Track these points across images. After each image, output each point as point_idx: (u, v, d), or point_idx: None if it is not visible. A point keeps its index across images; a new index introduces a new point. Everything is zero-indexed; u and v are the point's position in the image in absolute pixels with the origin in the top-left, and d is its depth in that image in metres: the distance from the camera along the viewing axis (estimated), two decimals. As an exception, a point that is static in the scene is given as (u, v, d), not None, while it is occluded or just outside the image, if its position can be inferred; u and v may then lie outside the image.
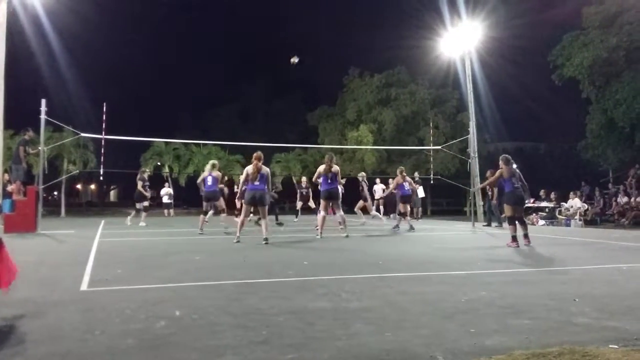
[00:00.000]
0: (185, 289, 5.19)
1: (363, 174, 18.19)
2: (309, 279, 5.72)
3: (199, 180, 12.97)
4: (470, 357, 3.00)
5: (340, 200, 11.68)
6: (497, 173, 9.88)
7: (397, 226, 13.82)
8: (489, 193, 17.41)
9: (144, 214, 16.62)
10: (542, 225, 18.14)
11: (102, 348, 3.18)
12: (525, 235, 9.63)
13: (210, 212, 13.02)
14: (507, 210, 9.89)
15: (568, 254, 8.60)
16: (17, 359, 3.00)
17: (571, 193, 19.22)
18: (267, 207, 10.05)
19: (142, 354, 3.07)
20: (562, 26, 24.33)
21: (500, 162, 9.87)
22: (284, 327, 3.68)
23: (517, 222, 9.77)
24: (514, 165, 10.08)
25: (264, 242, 9.46)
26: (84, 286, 5.24)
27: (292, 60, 17.86)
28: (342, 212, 11.59)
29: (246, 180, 9.94)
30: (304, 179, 20.72)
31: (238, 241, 9.74)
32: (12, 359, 3.00)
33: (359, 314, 4.08)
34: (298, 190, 20.02)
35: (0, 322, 3.78)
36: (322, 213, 11.29)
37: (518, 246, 9.23)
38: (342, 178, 11.77)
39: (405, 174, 14.14)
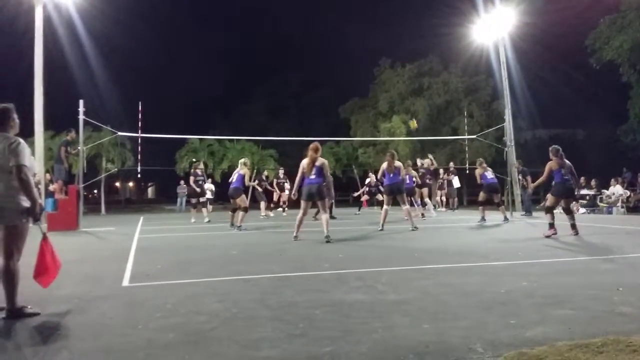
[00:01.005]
0: (224, 283, 5.25)
1: (428, 160, 18.26)
2: (344, 272, 5.72)
3: (231, 179, 13.09)
4: (510, 348, 2.96)
5: (405, 194, 11.62)
6: (547, 166, 9.58)
7: (483, 219, 13.14)
8: (524, 182, 17.15)
9: (192, 210, 16.45)
10: (582, 213, 17.70)
11: (144, 342, 3.24)
12: (573, 226, 9.36)
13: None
14: (551, 201, 9.64)
15: (610, 243, 8.39)
16: (63, 353, 3.09)
17: (612, 180, 18.72)
18: (325, 201, 9.49)
19: (183, 348, 3.13)
20: (598, 9, 23.62)
21: (550, 154, 9.63)
22: (320, 319, 3.70)
23: (563, 212, 9.62)
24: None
25: (326, 240, 8.80)
26: (125, 282, 5.37)
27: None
28: (407, 206, 11.53)
29: (302, 176, 9.43)
30: (372, 176, 20.77)
31: (296, 238, 9.19)
32: (58, 353, 3.10)
33: (395, 306, 4.07)
34: (367, 187, 20.45)
35: (46, 318, 3.91)
36: (385, 207, 11.46)
37: (556, 233, 9.04)
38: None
39: (485, 165, 13.88)
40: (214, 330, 3.47)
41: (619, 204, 17.72)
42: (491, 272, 5.56)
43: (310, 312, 3.92)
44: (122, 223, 16.14)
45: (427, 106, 30.81)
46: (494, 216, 13.91)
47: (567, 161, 9.50)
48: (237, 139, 31.56)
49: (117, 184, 62.68)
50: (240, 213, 12.31)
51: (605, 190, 18.70)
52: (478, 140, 24.26)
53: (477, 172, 13.72)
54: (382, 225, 11.22)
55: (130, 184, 68.19)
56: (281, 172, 21.39)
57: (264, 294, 4.58)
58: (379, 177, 12.24)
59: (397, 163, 11.45)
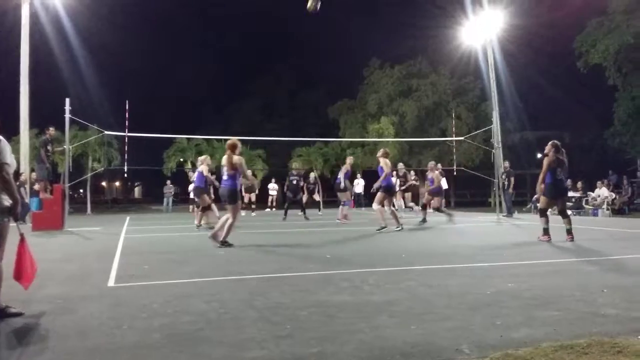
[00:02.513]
0: (210, 283, 5.23)
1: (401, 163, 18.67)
2: (331, 273, 5.72)
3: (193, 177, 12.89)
4: (496, 349, 2.97)
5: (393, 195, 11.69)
6: (547, 163, 8.80)
7: (424, 220, 13.30)
8: (505, 183, 17.25)
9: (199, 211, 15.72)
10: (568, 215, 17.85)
11: (129, 343, 3.22)
12: (569, 231, 8.72)
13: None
14: (543, 203, 9.09)
15: (595, 245, 8.46)
16: (47, 354, 3.06)
17: (598, 182, 18.90)
18: (237, 206, 8.58)
19: (169, 349, 3.10)
20: (586, 12, 23.83)
21: (550, 148, 8.85)
22: (307, 320, 3.69)
23: (559, 214, 9.10)
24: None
25: (219, 244, 8.30)
26: (111, 282, 5.32)
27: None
28: (393, 208, 11.47)
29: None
30: (312, 174, 21.06)
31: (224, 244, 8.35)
32: (41, 354, 3.06)
33: (382, 306, 4.07)
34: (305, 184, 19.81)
35: (30, 318, 3.86)
36: (385, 208, 11.21)
37: (550, 240, 8.63)
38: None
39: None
40: (201, 331, 3.45)
41: (605, 206, 17.90)
42: (477, 274, 5.58)
43: (297, 313, 3.91)
44: (108, 223, 16.02)
45: (415, 107, 30.94)
46: (480, 217, 13.98)
47: (566, 160, 8.85)
48: (225, 139, 31.44)
49: (104, 183, 62.27)
50: (199, 213, 12.30)
51: (591, 193, 18.89)
52: (466, 142, 24.41)
53: (438, 175, 13.72)
54: (401, 225, 11.07)
55: (117, 183, 67.78)
56: (249, 173, 21.60)
57: (251, 295, 4.56)
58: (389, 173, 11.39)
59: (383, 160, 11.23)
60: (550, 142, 9.06)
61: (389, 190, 11.32)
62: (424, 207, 13.77)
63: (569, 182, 19.75)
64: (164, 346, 3.15)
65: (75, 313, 4.02)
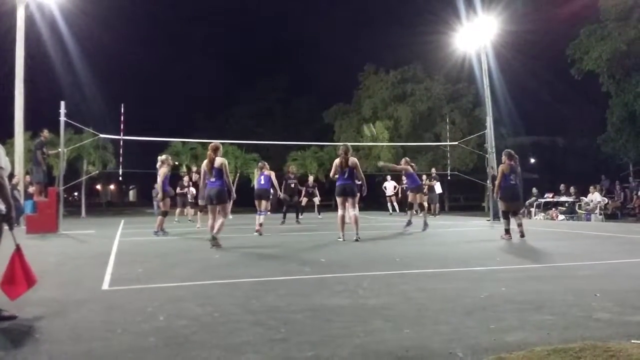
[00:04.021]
0: (205, 287, 5.23)
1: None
2: (326, 276, 5.73)
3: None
4: (490, 353, 2.99)
5: (357, 197, 10.28)
6: (500, 169, 10.00)
7: (410, 222, 12.68)
8: (490, 187, 17.30)
9: (199, 212, 15.27)
10: (561, 220, 17.94)
11: (124, 347, 3.21)
12: (519, 225, 9.90)
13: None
14: (502, 205, 10.19)
15: (589, 249, 8.51)
16: (40, 358, 3.04)
17: (591, 187, 18.99)
18: (226, 205, 9.09)
19: (164, 353, 3.10)
20: (579, 19, 24.00)
21: (503, 157, 10.02)
22: (302, 324, 3.70)
23: (511, 215, 10.12)
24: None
25: (211, 244, 8.77)
26: (105, 285, 5.31)
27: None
28: (357, 212, 10.20)
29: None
30: (311, 177, 21.52)
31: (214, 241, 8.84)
32: (35, 357, 3.05)
33: (377, 310, 4.08)
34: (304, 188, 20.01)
35: (23, 321, 3.85)
36: (339, 212, 10.23)
37: (511, 238, 9.62)
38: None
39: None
40: (195, 335, 3.45)
41: (597, 211, 17.97)
42: (471, 277, 5.60)
43: (292, 316, 3.91)
44: (102, 226, 15.98)
45: (409, 112, 31.03)
46: (475, 221, 14.01)
47: (518, 167, 10.04)
48: (220, 143, 31.42)
49: (98, 186, 62.11)
50: (159, 218, 11.90)
51: (584, 198, 18.96)
52: (460, 147, 24.50)
53: (407, 168, 12.59)
54: (342, 236, 9.94)
55: (112, 186, 67.58)
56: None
57: (246, 298, 4.57)
58: (331, 175, 10.42)
59: (353, 160, 10.01)
60: (504, 151, 10.29)
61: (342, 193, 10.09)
62: (411, 208, 13.17)
63: (562, 186, 19.98)
64: (159, 350, 3.15)
65: (69, 316, 4.01)
